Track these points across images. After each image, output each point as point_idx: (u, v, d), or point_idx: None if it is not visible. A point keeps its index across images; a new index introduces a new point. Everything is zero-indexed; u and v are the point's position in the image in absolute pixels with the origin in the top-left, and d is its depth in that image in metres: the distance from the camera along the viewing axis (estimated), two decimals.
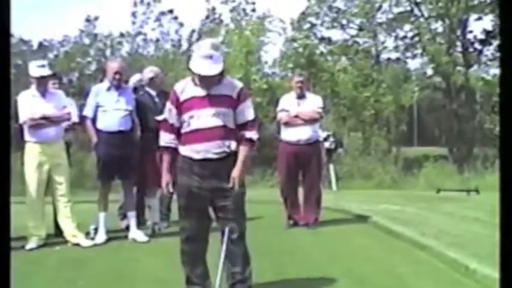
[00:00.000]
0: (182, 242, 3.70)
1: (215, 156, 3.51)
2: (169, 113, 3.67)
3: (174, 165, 3.69)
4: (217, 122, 3.51)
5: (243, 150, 3.58)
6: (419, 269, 4.64)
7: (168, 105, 3.70)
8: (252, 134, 3.60)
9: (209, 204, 3.63)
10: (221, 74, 3.55)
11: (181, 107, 3.58)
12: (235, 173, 3.53)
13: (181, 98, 3.58)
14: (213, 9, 24.82)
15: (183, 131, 3.60)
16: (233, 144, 3.56)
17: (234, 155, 3.56)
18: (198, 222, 3.63)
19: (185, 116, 3.57)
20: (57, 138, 5.64)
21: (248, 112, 3.62)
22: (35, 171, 5.48)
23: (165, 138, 3.68)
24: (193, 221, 3.63)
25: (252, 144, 3.62)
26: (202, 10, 27.91)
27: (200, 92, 3.54)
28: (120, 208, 6.34)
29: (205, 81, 3.51)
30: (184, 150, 3.60)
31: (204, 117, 3.51)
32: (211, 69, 3.45)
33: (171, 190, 3.69)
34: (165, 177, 3.68)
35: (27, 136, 5.50)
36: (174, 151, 3.66)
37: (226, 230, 3.50)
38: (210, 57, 3.45)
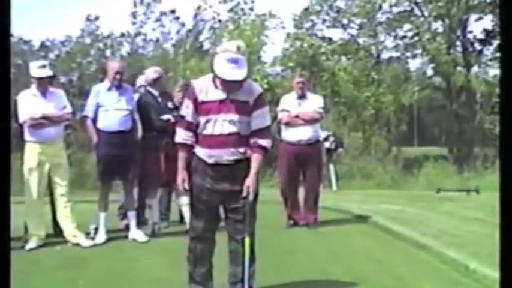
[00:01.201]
0: (190, 240, 3.70)
1: (227, 163, 3.51)
2: (186, 109, 3.59)
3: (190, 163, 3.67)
4: (232, 129, 3.48)
5: (256, 159, 3.53)
6: (419, 269, 4.64)
7: (186, 101, 3.62)
8: (265, 142, 3.56)
9: (220, 205, 3.63)
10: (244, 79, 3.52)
11: (199, 107, 3.52)
12: (249, 182, 3.50)
13: (200, 98, 3.52)
14: (199, 7, 24.84)
15: (199, 132, 3.57)
16: (247, 151, 3.54)
17: (247, 159, 3.54)
18: (207, 222, 3.63)
19: (202, 119, 3.52)
20: (57, 138, 5.64)
21: (263, 119, 3.57)
22: (35, 171, 5.47)
23: (182, 135, 3.62)
24: (203, 220, 3.62)
25: (265, 151, 3.58)
26: (202, 11, 27.91)
27: (219, 95, 3.49)
28: (120, 208, 6.34)
29: (227, 85, 3.46)
30: (199, 152, 3.59)
31: (220, 123, 3.48)
32: (236, 74, 3.39)
33: (187, 188, 3.64)
34: (181, 175, 3.62)
35: (27, 136, 5.49)
36: (190, 148, 3.61)
37: (247, 241, 3.49)
38: (236, 61, 3.39)
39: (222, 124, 3.48)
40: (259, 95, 3.57)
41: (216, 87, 3.51)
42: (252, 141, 3.54)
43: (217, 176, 3.54)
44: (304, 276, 4.42)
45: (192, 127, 3.58)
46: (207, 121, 3.51)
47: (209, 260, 3.71)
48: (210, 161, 3.53)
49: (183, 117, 3.63)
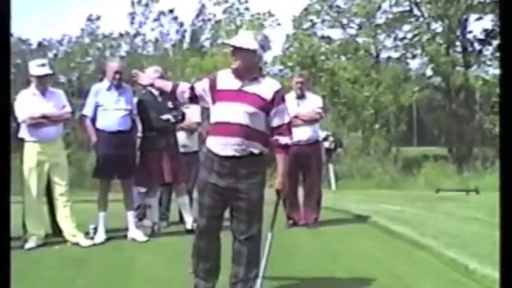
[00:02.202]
0: (195, 237, 3.72)
1: (233, 153, 3.47)
2: (198, 82, 3.73)
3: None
4: (242, 119, 3.46)
5: (280, 160, 3.61)
6: (419, 269, 4.64)
7: (203, 79, 3.73)
8: (287, 139, 3.61)
9: (224, 202, 3.60)
10: (260, 71, 3.63)
11: (215, 95, 3.58)
12: (279, 185, 3.65)
13: (218, 86, 3.59)
14: (198, 7, 24.82)
15: (211, 122, 3.63)
16: (254, 147, 3.52)
17: (253, 156, 3.53)
18: (210, 219, 3.60)
19: (214, 107, 3.58)
20: (56, 138, 5.63)
21: (283, 115, 3.58)
22: (34, 170, 5.46)
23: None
24: (205, 217, 3.60)
25: (287, 148, 3.62)
26: (199, 11, 27.95)
27: (235, 84, 3.53)
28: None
29: (237, 62, 3.49)
30: (208, 142, 3.61)
31: (230, 111, 3.49)
32: (241, 41, 3.50)
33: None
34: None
35: (26, 135, 5.48)
36: (174, 88, 3.79)
37: (270, 236, 3.64)
38: (246, 35, 3.59)
39: (233, 112, 3.48)
40: (277, 90, 3.56)
41: (235, 77, 3.54)
42: (273, 139, 3.57)
43: (222, 171, 3.51)
44: (304, 276, 4.41)
45: (193, 89, 3.69)
46: (220, 108, 3.54)
47: (213, 257, 3.68)
48: (217, 149, 3.51)
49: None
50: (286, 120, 3.61)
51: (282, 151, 3.61)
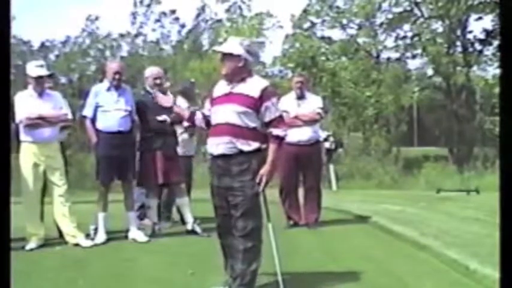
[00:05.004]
0: (217, 236, 3.95)
1: (225, 152, 3.66)
2: (205, 105, 3.98)
3: None
4: (230, 119, 3.66)
5: (271, 148, 3.71)
6: (419, 269, 4.64)
7: (207, 101, 3.98)
8: (279, 131, 3.72)
9: (227, 201, 3.74)
10: (249, 73, 3.76)
11: (211, 102, 3.85)
12: (263, 171, 3.66)
13: (213, 95, 3.85)
14: (200, 7, 24.82)
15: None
16: (244, 144, 3.65)
17: (243, 154, 3.66)
18: (221, 219, 3.83)
19: (211, 111, 3.83)
20: (51, 139, 5.59)
21: (273, 110, 3.71)
22: (31, 171, 5.44)
23: (198, 114, 4.00)
24: (219, 217, 3.86)
25: (280, 141, 3.74)
26: (201, 11, 27.92)
27: (225, 89, 3.77)
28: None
29: (225, 68, 3.71)
30: (207, 145, 3.83)
31: (221, 113, 3.72)
32: (227, 48, 3.72)
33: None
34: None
35: (22, 136, 5.46)
36: (193, 114, 4.01)
37: (270, 226, 3.83)
38: (233, 41, 3.78)
39: (222, 114, 3.70)
40: (264, 87, 3.73)
41: (226, 81, 3.78)
42: (267, 132, 3.73)
43: (219, 171, 3.73)
44: (303, 276, 4.42)
45: (204, 116, 3.94)
46: (214, 112, 3.80)
47: (232, 255, 3.82)
48: (212, 149, 3.74)
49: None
50: (277, 114, 3.75)
51: (275, 141, 3.73)
